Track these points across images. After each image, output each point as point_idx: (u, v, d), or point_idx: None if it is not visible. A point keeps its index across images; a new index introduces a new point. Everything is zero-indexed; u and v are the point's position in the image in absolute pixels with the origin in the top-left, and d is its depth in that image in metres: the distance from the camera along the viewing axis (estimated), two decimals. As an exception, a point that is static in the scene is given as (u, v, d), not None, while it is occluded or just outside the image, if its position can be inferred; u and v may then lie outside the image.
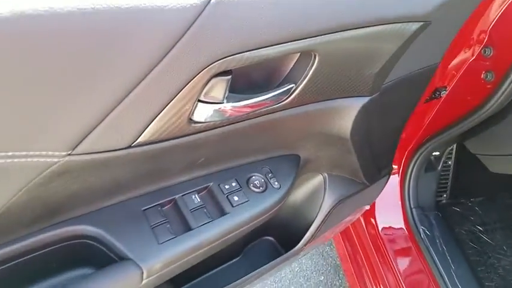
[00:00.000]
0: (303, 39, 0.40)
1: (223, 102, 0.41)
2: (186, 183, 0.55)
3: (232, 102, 0.42)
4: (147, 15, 0.32)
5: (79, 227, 0.48)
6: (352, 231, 1.11)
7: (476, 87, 0.80)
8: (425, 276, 0.92)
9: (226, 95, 0.40)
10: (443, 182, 1.15)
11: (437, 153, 1.02)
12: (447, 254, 0.95)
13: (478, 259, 1.12)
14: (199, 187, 0.56)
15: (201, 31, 0.34)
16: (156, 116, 0.37)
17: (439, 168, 1.05)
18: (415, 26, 0.50)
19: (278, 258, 0.76)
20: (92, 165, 0.38)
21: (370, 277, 0.99)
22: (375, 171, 0.75)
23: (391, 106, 0.62)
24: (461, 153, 1.08)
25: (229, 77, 0.39)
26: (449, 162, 1.13)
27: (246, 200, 0.56)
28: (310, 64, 0.44)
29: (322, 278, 1.50)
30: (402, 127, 0.72)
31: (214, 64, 0.36)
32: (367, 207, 0.89)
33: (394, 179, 1.01)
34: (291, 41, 0.39)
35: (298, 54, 0.44)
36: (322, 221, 0.75)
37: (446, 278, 0.89)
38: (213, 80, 0.38)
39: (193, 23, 0.33)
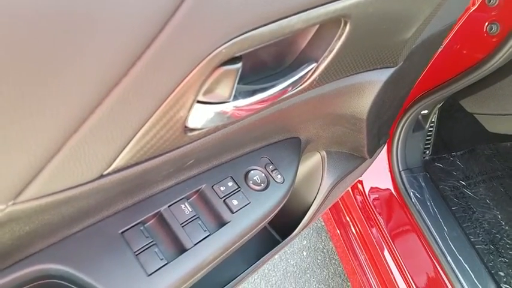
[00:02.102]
0: (333, 1, 0.28)
1: (229, 101, 0.29)
2: (171, 189, 0.44)
3: (241, 98, 0.30)
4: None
5: (38, 267, 0.36)
6: (339, 200, 1.06)
7: (478, 40, 0.72)
8: (418, 241, 0.90)
9: (234, 90, 0.29)
10: (429, 139, 1.11)
11: (425, 111, 0.96)
12: (439, 217, 0.93)
13: (463, 215, 1.12)
14: (189, 192, 0.45)
15: (198, 4, 0.22)
16: (137, 133, 0.25)
17: (427, 126, 1.00)
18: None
19: (274, 248, 0.68)
20: (46, 207, 0.26)
21: (361, 246, 0.96)
22: (376, 144, 0.67)
23: (405, 74, 0.53)
24: (442, 107, 1.04)
25: (239, 65, 0.27)
26: (433, 119, 1.08)
27: (247, 202, 0.46)
28: (339, 34, 0.33)
29: (305, 242, 1.48)
30: (408, 94, 0.64)
31: (220, 49, 0.24)
32: (361, 178, 0.82)
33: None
34: (320, 5, 0.28)
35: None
36: (321, 204, 0.67)
37: (440, 242, 0.87)
38: (218, 72, 0.26)
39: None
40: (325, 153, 0.65)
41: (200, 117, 0.29)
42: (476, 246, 1.07)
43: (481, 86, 0.78)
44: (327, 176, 0.65)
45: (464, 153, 1.24)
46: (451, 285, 0.84)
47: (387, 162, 0.98)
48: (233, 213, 0.45)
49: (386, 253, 0.92)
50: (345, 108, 0.48)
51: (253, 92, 0.32)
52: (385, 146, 0.97)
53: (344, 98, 0.45)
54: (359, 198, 0.98)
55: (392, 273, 0.90)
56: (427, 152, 1.17)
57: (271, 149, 0.51)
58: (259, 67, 0.34)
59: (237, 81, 0.28)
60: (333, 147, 0.64)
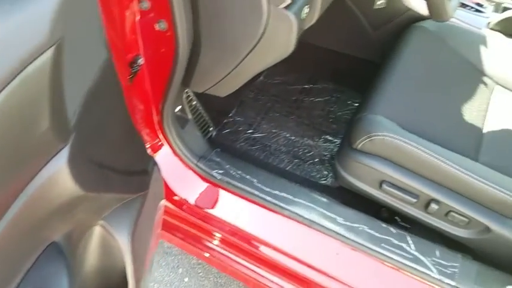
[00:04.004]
0: None
1: None
2: None
3: None
4: None
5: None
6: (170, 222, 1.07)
7: (161, 39, 0.80)
8: (253, 206, 0.99)
9: None
10: (202, 121, 1.21)
11: (178, 108, 1.04)
12: (247, 175, 1.03)
13: (265, 153, 1.29)
14: None
15: None
16: None
17: (191, 115, 1.09)
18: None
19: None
20: None
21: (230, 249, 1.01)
22: (137, 182, 0.70)
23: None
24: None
25: None
26: (194, 103, 1.17)
27: None
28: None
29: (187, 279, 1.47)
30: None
31: None
32: (162, 201, 0.85)
33: (164, 155, 1.00)
34: None
35: None
36: (135, 262, 0.67)
37: (267, 197, 0.97)
38: None
39: None
40: (99, 222, 0.64)
41: None
42: (286, 169, 1.26)
43: (192, 67, 0.87)
44: (116, 239, 0.65)
45: (237, 108, 1.40)
46: (296, 220, 0.95)
47: (183, 167, 1.03)
48: None
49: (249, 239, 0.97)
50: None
51: None
52: (166, 156, 1.01)
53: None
54: (189, 216, 1.01)
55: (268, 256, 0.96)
56: (211, 128, 1.28)
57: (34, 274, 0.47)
58: None
59: None
60: (103, 213, 0.64)
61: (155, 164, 0.81)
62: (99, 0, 0.56)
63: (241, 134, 1.33)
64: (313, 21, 0.83)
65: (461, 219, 0.91)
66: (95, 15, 0.51)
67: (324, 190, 1.20)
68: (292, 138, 1.33)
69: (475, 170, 0.88)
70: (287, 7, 0.69)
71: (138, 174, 0.73)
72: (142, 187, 0.74)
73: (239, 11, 0.71)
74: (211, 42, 0.80)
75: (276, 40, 0.74)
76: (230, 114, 1.37)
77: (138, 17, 0.78)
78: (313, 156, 1.29)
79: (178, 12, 0.73)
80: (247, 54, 0.76)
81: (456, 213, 0.91)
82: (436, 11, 0.77)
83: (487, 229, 0.89)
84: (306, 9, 0.74)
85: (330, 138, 1.34)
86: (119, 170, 0.66)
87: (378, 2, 1.05)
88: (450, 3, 0.80)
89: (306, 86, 1.49)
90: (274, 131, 1.35)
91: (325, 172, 1.24)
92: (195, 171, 1.02)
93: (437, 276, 0.86)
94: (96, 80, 0.55)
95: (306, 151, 1.30)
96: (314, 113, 1.42)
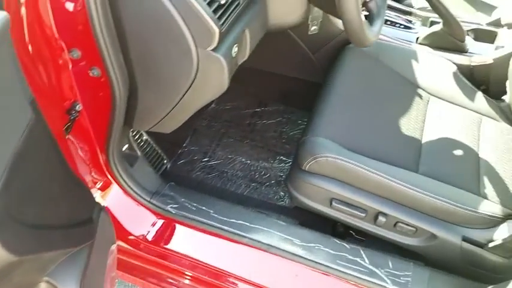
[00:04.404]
0: None
1: None
2: None
3: None
4: None
5: None
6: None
7: (96, 85, 0.80)
8: (211, 238, 0.99)
9: None
10: (154, 155, 1.21)
11: (125, 146, 1.04)
12: (204, 206, 1.04)
13: (222, 180, 1.30)
14: None
15: None
16: None
17: (140, 152, 1.09)
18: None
19: None
20: None
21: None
22: (82, 232, 0.69)
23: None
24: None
25: None
26: (144, 138, 1.17)
27: None
28: None
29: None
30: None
31: None
32: (113, 246, 0.84)
33: (114, 195, 0.99)
34: None
35: None
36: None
37: (225, 227, 0.98)
38: None
39: None
40: (42, 283, 0.62)
41: None
42: (244, 194, 1.27)
43: (132, 108, 0.88)
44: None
45: (191, 137, 1.41)
46: (252, 246, 0.96)
47: (139, 207, 1.02)
48: None
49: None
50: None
51: None
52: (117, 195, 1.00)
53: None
54: (147, 255, 1.00)
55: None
56: (165, 161, 1.28)
57: None
58: None
59: None
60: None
61: (101, 209, 0.80)
62: (20, 60, 0.56)
63: (197, 163, 1.33)
64: (246, 57, 0.86)
65: (409, 228, 0.95)
66: (12, 78, 0.51)
67: (282, 211, 1.22)
68: (248, 162, 1.35)
69: (415, 182, 0.93)
70: (215, 49, 0.72)
71: (82, 224, 0.72)
72: (89, 236, 0.73)
73: (170, 56, 0.73)
74: (147, 85, 0.81)
75: (210, 79, 0.76)
76: (184, 144, 1.38)
77: (70, 66, 0.79)
78: (270, 178, 1.32)
79: (108, 59, 0.74)
80: (184, 94, 0.78)
81: (403, 223, 0.95)
82: (356, 39, 0.82)
83: (433, 236, 0.94)
84: (235, 48, 0.77)
85: (284, 158, 1.37)
86: (58, 225, 0.65)
87: (311, 28, 1.10)
88: (371, 30, 0.85)
89: (258, 110, 1.53)
90: (229, 156, 1.36)
91: (282, 193, 1.27)
92: (148, 209, 1.02)
93: (391, 287, 0.89)
94: (23, 140, 0.55)
95: (262, 174, 1.33)
96: (267, 135, 1.45)
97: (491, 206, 0.91)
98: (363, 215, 0.97)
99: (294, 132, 1.45)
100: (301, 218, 1.19)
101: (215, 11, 0.70)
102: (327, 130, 1.01)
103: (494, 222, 0.90)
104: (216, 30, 0.68)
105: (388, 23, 1.31)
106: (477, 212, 0.89)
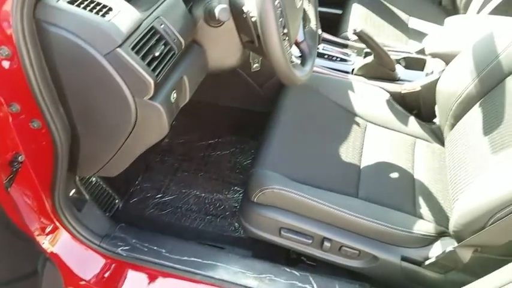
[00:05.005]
0: None
1: None
2: None
3: None
4: None
5: None
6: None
7: (37, 136, 0.81)
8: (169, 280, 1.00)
9: None
10: (105, 196, 1.21)
11: (73, 191, 1.04)
12: (155, 246, 1.05)
13: (177, 215, 1.31)
14: None
15: None
16: None
17: (89, 195, 1.08)
18: None
19: None
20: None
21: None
22: (26, 286, 0.69)
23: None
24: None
25: None
26: (94, 179, 1.18)
27: None
28: None
29: None
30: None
31: None
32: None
33: (63, 241, 0.98)
34: None
35: None
36: None
37: (177, 266, 0.99)
38: None
39: None
40: None
41: None
42: (199, 228, 1.29)
43: (75, 152, 0.89)
44: None
45: (143, 174, 1.42)
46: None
47: (86, 252, 1.01)
48: None
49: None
50: None
51: None
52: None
53: None
54: None
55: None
56: (116, 201, 1.28)
57: None
58: None
59: None
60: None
61: (47, 259, 0.79)
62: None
63: (150, 200, 1.34)
64: (187, 100, 0.90)
65: (352, 252, 1.01)
66: None
67: (238, 242, 1.25)
68: (203, 195, 1.38)
69: (354, 207, 0.99)
70: (152, 97, 0.75)
71: (26, 277, 0.72)
72: (33, 288, 0.72)
73: (108, 106, 0.76)
74: (89, 133, 0.83)
75: (150, 125, 0.79)
76: (137, 182, 1.38)
77: (11, 119, 0.80)
78: (225, 209, 1.34)
79: (48, 112, 0.76)
80: (125, 140, 0.80)
81: (347, 247, 1.00)
82: (286, 80, 0.89)
83: (375, 258, 0.99)
84: (174, 94, 0.81)
85: (238, 189, 1.40)
86: (1, 282, 0.65)
87: (254, 66, 1.17)
88: (302, 71, 0.92)
89: (212, 141, 1.56)
90: (184, 191, 1.38)
91: (237, 224, 1.30)
92: (98, 253, 1.01)
93: (339, 309, 0.93)
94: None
95: (217, 206, 1.35)
96: (222, 166, 1.48)
97: (425, 225, 0.99)
98: (310, 241, 1.02)
99: (247, 162, 1.49)
100: (257, 247, 1.22)
101: (150, 63, 0.73)
102: (273, 162, 1.06)
103: (428, 241, 0.97)
104: (151, 81, 0.72)
105: (326, 56, 1.40)
106: (412, 232, 0.96)
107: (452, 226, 0.89)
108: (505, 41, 1.05)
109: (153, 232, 1.10)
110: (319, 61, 1.41)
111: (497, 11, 1.42)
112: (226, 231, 1.28)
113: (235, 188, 1.41)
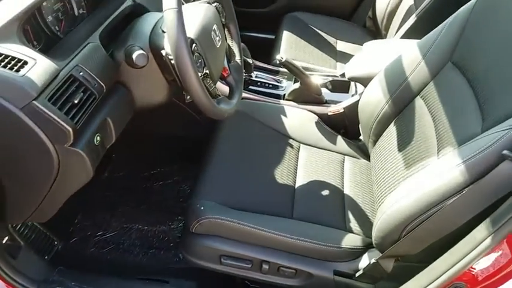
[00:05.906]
0: None
1: None
2: None
3: None
4: None
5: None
6: None
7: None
8: None
9: None
10: (42, 239, 1.18)
11: (5, 239, 1.01)
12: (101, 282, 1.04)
13: (121, 254, 1.30)
14: None
15: None
16: None
17: (24, 241, 1.06)
18: None
19: None
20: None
21: None
22: None
23: None
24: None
25: None
26: (29, 224, 1.14)
27: None
28: None
29: None
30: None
31: None
32: None
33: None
34: None
35: None
36: None
37: None
38: None
39: None
40: None
41: None
42: (143, 263, 1.28)
43: (3, 205, 0.88)
44: None
45: (83, 211, 1.39)
46: None
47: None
48: None
49: None
50: None
51: None
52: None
53: None
54: None
55: None
56: (55, 242, 1.24)
57: None
58: None
59: None
60: None
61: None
62: None
63: (91, 238, 1.32)
64: (113, 140, 0.91)
65: (290, 271, 1.05)
66: None
67: (182, 273, 1.25)
68: (146, 228, 1.37)
69: (288, 228, 1.04)
70: (73, 144, 0.77)
71: None
72: None
73: (30, 155, 0.76)
74: (13, 182, 0.82)
75: (74, 170, 0.80)
76: (76, 220, 1.35)
77: None
78: (169, 241, 1.35)
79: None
80: (50, 187, 0.80)
81: (284, 267, 1.05)
82: (211, 115, 0.93)
83: (310, 275, 1.05)
84: (97, 137, 0.83)
85: (181, 218, 1.41)
86: None
87: (187, 97, 1.20)
88: (229, 103, 0.97)
89: (153, 172, 1.57)
90: (125, 226, 1.37)
91: (181, 255, 1.30)
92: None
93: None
94: None
95: (160, 238, 1.35)
96: (165, 196, 1.49)
97: (354, 239, 1.06)
98: (249, 265, 1.06)
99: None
100: (204, 276, 1.23)
101: (69, 111, 0.75)
102: (209, 191, 1.10)
103: (357, 254, 1.04)
104: (70, 129, 0.73)
105: (259, 83, 1.48)
106: (341, 247, 1.02)
107: (373, 239, 0.97)
108: (412, 64, 1.17)
109: (94, 273, 1.09)
110: (253, 88, 1.47)
111: (407, 35, 1.56)
112: (171, 262, 1.29)
113: (179, 217, 1.42)
